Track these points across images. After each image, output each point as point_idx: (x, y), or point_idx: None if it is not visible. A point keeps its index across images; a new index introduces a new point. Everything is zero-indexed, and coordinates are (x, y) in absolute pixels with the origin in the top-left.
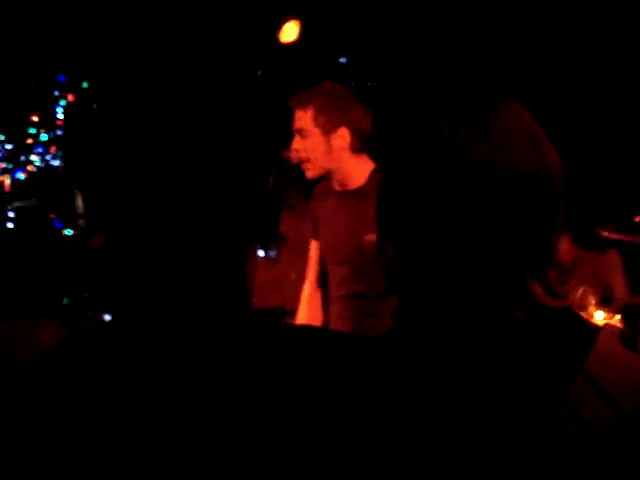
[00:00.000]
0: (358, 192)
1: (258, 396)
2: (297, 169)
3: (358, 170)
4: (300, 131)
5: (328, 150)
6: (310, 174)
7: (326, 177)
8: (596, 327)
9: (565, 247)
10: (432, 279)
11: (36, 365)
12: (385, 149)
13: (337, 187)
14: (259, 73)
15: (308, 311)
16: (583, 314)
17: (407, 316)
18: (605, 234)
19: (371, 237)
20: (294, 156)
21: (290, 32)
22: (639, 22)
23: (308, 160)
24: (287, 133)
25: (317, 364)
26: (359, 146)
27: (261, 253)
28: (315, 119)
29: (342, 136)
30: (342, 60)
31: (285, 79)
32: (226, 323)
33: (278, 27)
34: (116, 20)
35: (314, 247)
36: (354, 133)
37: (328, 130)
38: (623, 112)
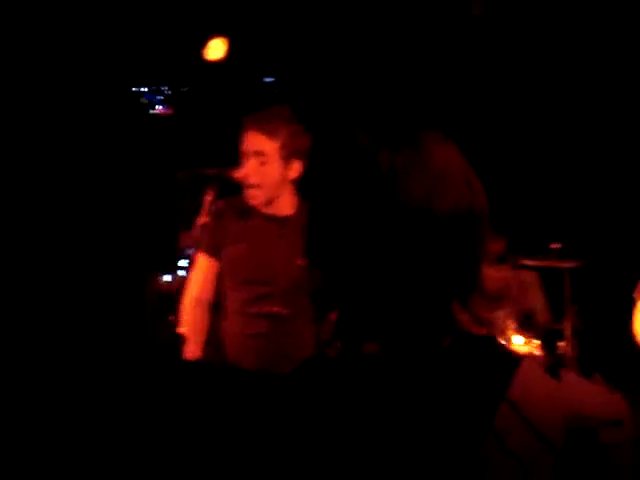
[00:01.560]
0: (288, 219)
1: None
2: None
3: (291, 200)
4: (260, 156)
5: (281, 180)
6: (256, 201)
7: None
8: (518, 355)
9: (492, 275)
10: (362, 307)
11: None
12: (320, 178)
13: (267, 211)
14: (184, 89)
15: (193, 333)
16: (502, 338)
17: (337, 341)
18: (525, 261)
19: (302, 262)
20: (243, 179)
21: (217, 49)
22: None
23: (258, 186)
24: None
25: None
26: (300, 178)
27: (167, 278)
28: (282, 148)
29: (296, 169)
30: (268, 79)
31: (211, 96)
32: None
33: (204, 44)
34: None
35: (209, 265)
36: (303, 166)
37: (288, 161)
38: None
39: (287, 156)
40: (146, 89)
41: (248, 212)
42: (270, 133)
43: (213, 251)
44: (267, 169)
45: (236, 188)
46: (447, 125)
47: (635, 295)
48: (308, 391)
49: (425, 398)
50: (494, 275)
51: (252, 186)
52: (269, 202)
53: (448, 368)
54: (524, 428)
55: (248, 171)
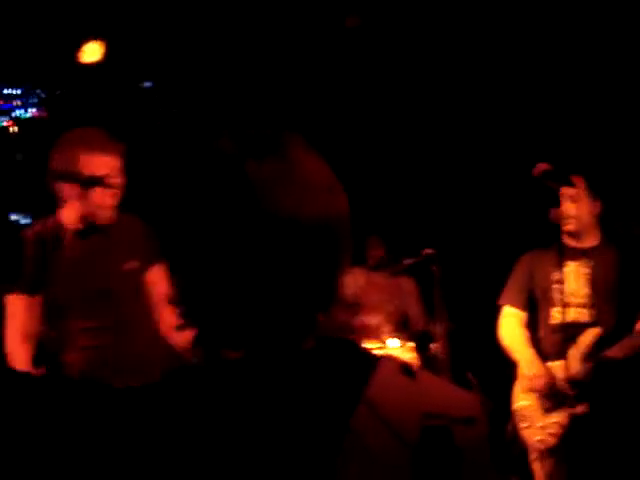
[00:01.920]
0: (105, 229)
1: None
2: None
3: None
4: (110, 178)
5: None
6: (110, 221)
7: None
8: (376, 357)
9: (348, 282)
10: (223, 313)
11: None
12: (180, 186)
13: (82, 226)
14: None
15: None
16: (378, 341)
17: (199, 348)
18: (401, 264)
19: (130, 265)
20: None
21: (93, 52)
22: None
23: (110, 207)
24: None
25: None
26: None
27: None
28: (120, 167)
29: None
30: (147, 84)
31: (89, 99)
32: None
33: (81, 47)
34: None
35: (23, 303)
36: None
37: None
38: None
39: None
40: (19, 91)
41: (57, 238)
42: (108, 151)
43: (28, 289)
44: (114, 190)
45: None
46: (320, 135)
47: (500, 302)
48: (169, 399)
49: (283, 402)
50: (350, 282)
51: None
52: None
53: (307, 372)
54: (381, 427)
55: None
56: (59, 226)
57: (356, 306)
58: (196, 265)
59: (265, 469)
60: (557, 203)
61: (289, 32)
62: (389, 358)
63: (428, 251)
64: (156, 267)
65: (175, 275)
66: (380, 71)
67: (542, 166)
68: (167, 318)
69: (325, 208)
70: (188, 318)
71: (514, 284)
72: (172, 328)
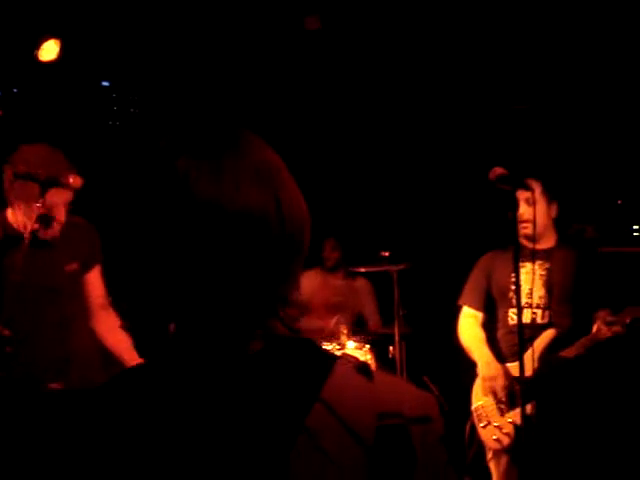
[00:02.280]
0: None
1: None
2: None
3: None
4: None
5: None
6: (54, 233)
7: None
8: (333, 356)
9: (309, 283)
10: (170, 316)
11: None
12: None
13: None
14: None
15: None
16: (335, 343)
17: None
18: (358, 268)
19: (72, 267)
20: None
21: (50, 51)
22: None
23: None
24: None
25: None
26: None
27: None
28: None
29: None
30: (105, 83)
31: (46, 98)
32: None
33: (38, 45)
34: None
35: None
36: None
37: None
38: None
39: None
40: None
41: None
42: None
43: None
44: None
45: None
46: (279, 136)
47: (459, 302)
48: (115, 401)
49: (236, 400)
50: (306, 284)
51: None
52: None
53: (262, 371)
54: (336, 426)
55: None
56: (6, 225)
57: (312, 308)
58: (140, 263)
59: (217, 467)
60: (514, 205)
61: (248, 28)
62: (346, 357)
63: (385, 253)
64: (94, 269)
65: (121, 272)
66: (335, 71)
67: (498, 170)
68: (103, 320)
69: (261, 202)
70: (133, 316)
71: (472, 285)
72: (107, 330)
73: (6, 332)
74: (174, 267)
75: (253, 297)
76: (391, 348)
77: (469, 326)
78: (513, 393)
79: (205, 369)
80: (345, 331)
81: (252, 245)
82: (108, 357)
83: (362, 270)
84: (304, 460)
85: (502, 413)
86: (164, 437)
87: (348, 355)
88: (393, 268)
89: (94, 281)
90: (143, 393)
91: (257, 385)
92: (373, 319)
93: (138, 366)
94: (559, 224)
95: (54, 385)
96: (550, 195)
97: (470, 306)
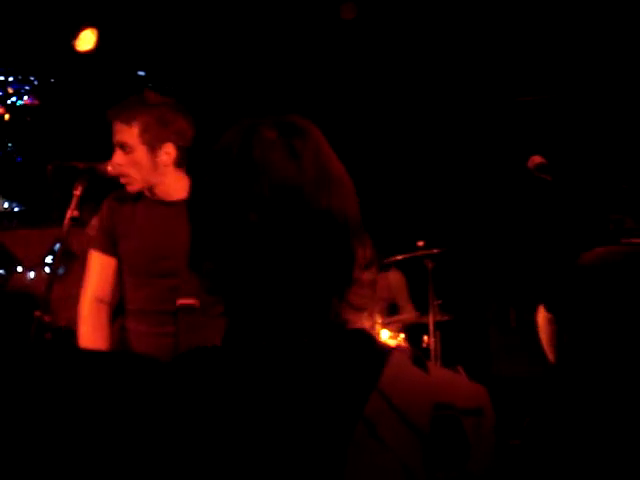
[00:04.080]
0: (178, 203)
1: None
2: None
3: (179, 183)
4: (123, 146)
5: (153, 166)
6: (132, 188)
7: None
8: (388, 347)
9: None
10: (245, 302)
11: None
12: (202, 164)
13: (157, 198)
14: (52, 80)
15: (94, 330)
16: (371, 332)
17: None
18: (391, 258)
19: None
20: (115, 170)
21: (87, 40)
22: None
23: (129, 175)
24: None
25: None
26: (181, 161)
27: (31, 275)
28: (141, 135)
29: (168, 152)
30: (141, 73)
31: (82, 87)
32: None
33: (75, 35)
34: None
35: (103, 262)
36: (179, 148)
37: (154, 146)
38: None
39: (150, 141)
40: (12, 78)
41: (136, 202)
42: (127, 121)
43: (106, 248)
44: (132, 157)
45: (106, 182)
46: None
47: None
48: (187, 380)
49: (299, 389)
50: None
51: (123, 176)
52: (152, 189)
53: (322, 360)
54: (393, 416)
55: (115, 162)
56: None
57: (369, 285)
58: (219, 252)
59: (277, 455)
60: (556, 194)
61: (283, 21)
62: (401, 349)
63: (420, 243)
64: None
65: (205, 262)
66: (364, 66)
67: (536, 159)
68: None
69: (346, 196)
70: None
71: None
72: None
73: (47, 318)
74: (244, 249)
75: (326, 286)
76: (425, 337)
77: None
78: None
79: (266, 357)
80: (380, 320)
81: (336, 235)
82: None
83: (399, 258)
84: (362, 448)
85: None
86: (223, 426)
87: (403, 346)
88: (426, 252)
89: None
90: (216, 374)
91: (315, 375)
92: (406, 310)
93: (201, 351)
94: (596, 216)
95: None
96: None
97: None
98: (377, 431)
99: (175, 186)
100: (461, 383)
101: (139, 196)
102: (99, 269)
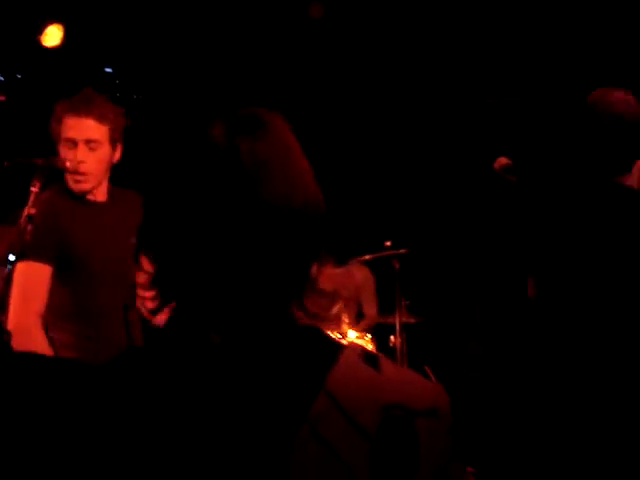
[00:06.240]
0: (105, 205)
1: None
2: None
3: (107, 184)
4: (90, 142)
5: (109, 165)
6: (85, 186)
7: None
8: (340, 345)
9: (328, 273)
10: (198, 299)
11: None
12: (166, 167)
13: (92, 198)
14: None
15: (47, 347)
16: (337, 332)
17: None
18: (359, 258)
19: (132, 241)
20: (74, 167)
21: (53, 36)
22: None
23: (89, 172)
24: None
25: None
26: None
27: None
28: (110, 133)
29: (119, 151)
30: (108, 69)
31: (47, 83)
32: None
33: (40, 30)
34: None
35: (44, 272)
36: (122, 149)
37: (115, 146)
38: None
39: (115, 139)
40: None
41: (74, 201)
42: (100, 119)
43: (48, 256)
44: (98, 155)
45: (60, 177)
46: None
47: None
48: (129, 380)
49: (241, 389)
50: (330, 273)
51: (82, 173)
52: (94, 189)
53: (270, 357)
54: (339, 416)
55: (79, 158)
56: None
57: (332, 298)
58: (173, 248)
59: (218, 455)
60: (519, 195)
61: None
62: (353, 347)
63: (388, 243)
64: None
65: (149, 257)
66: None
67: (502, 160)
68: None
69: (310, 195)
70: (166, 300)
71: None
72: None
73: (3, 318)
74: (216, 255)
75: (286, 282)
76: (392, 337)
77: None
78: None
79: (209, 354)
80: (347, 320)
81: (294, 236)
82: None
83: (366, 258)
84: (305, 450)
85: None
86: (165, 425)
87: (355, 344)
88: (393, 252)
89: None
90: (142, 378)
91: (262, 373)
92: (373, 309)
93: (140, 349)
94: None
95: None
96: None
97: None
98: (322, 433)
99: (105, 188)
100: (415, 383)
101: (73, 195)
102: (41, 280)
